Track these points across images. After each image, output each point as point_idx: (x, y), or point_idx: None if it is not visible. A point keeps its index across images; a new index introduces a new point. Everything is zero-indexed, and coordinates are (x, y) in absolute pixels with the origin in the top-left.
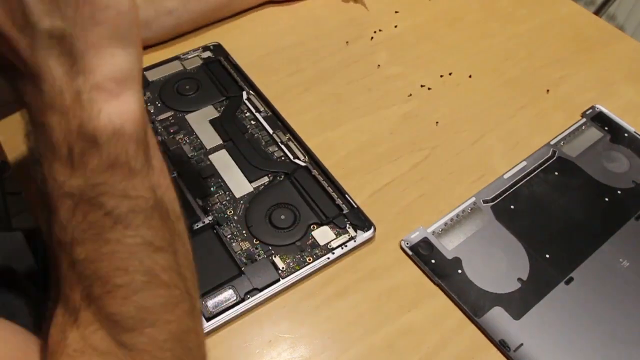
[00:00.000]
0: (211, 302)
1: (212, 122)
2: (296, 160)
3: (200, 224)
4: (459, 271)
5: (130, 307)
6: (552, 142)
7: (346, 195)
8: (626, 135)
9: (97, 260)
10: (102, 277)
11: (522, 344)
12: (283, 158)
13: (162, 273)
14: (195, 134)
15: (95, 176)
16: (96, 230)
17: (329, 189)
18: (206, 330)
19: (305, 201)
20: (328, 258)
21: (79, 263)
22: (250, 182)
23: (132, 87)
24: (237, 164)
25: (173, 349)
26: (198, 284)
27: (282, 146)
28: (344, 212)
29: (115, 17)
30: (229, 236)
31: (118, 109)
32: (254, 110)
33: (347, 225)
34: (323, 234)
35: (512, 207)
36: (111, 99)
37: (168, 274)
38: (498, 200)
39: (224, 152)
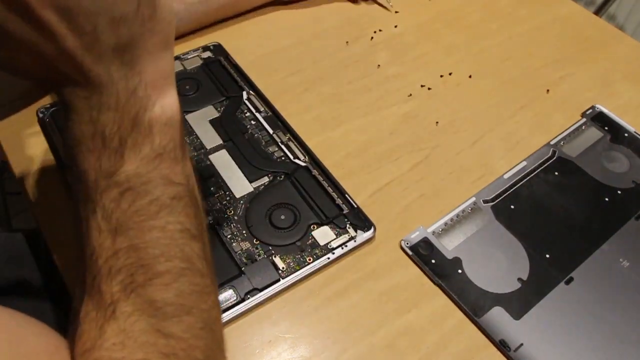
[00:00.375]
0: None
1: (212, 122)
2: (296, 160)
3: None
4: (459, 271)
5: (170, 294)
6: (552, 142)
7: (346, 195)
8: (626, 135)
9: (141, 248)
10: (145, 264)
11: (522, 344)
12: (283, 158)
13: (198, 261)
14: (195, 134)
15: (145, 164)
16: (142, 217)
17: (329, 189)
18: None
19: (305, 201)
20: (328, 258)
21: (121, 252)
22: (250, 182)
23: (173, 82)
24: (237, 164)
25: (207, 338)
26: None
27: (282, 146)
28: (344, 212)
29: (166, 28)
30: (229, 236)
31: (168, 100)
32: (254, 110)
33: (347, 225)
34: (323, 234)
35: (512, 207)
36: (162, 93)
37: (201, 262)
38: (498, 200)
39: (224, 152)
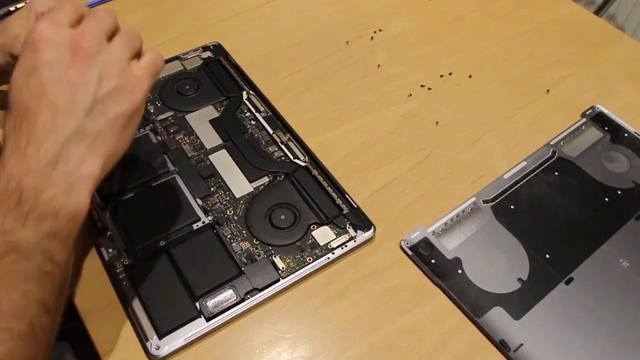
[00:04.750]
0: (211, 302)
1: (212, 122)
2: (296, 160)
3: (200, 224)
4: (459, 271)
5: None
6: (552, 142)
7: (346, 195)
8: (626, 135)
9: None
10: None
11: (522, 344)
12: (283, 158)
13: (40, 332)
14: (195, 134)
15: (39, 236)
16: (13, 277)
17: (329, 189)
18: (206, 331)
19: (305, 201)
20: (328, 258)
21: None
22: (250, 182)
23: (93, 188)
24: (237, 164)
25: None
26: None
27: (282, 146)
28: (344, 212)
29: (125, 144)
30: (229, 236)
31: (84, 199)
32: (254, 110)
33: (347, 225)
34: (323, 234)
35: (512, 207)
36: (84, 190)
37: (44, 335)
38: (498, 200)
39: (224, 152)
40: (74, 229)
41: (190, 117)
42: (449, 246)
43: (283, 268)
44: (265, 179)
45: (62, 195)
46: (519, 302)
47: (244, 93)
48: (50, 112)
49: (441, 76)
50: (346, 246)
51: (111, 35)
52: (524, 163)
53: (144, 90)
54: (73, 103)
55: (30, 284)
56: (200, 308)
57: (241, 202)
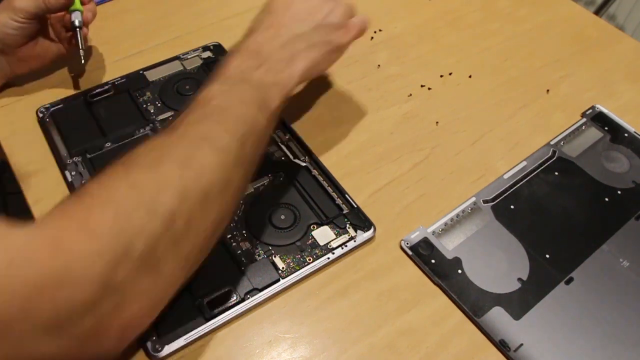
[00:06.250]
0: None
1: None
2: (296, 160)
3: None
4: (459, 271)
5: (223, 129)
6: (552, 142)
7: (346, 195)
8: (626, 135)
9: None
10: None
11: (522, 344)
12: (283, 158)
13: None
14: None
15: (266, 83)
16: (243, 96)
17: (329, 189)
18: (206, 330)
19: (305, 201)
20: (328, 258)
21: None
22: (251, 182)
23: (296, 79)
24: None
25: (215, 175)
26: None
27: (282, 146)
28: (344, 212)
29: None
30: (229, 236)
31: (294, 76)
32: None
33: (347, 225)
34: (323, 234)
35: (512, 207)
36: (295, 71)
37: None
38: (498, 200)
39: None
40: (282, 90)
41: None
42: (449, 246)
43: (283, 268)
44: (265, 179)
45: (284, 64)
46: (519, 302)
47: None
48: (290, 14)
49: (441, 76)
50: (346, 246)
51: None
52: (524, 163)
53: (350, 37)
54: (307, 17)
55: (247, 108)
56: (200, 308)
57: (241, 202)
